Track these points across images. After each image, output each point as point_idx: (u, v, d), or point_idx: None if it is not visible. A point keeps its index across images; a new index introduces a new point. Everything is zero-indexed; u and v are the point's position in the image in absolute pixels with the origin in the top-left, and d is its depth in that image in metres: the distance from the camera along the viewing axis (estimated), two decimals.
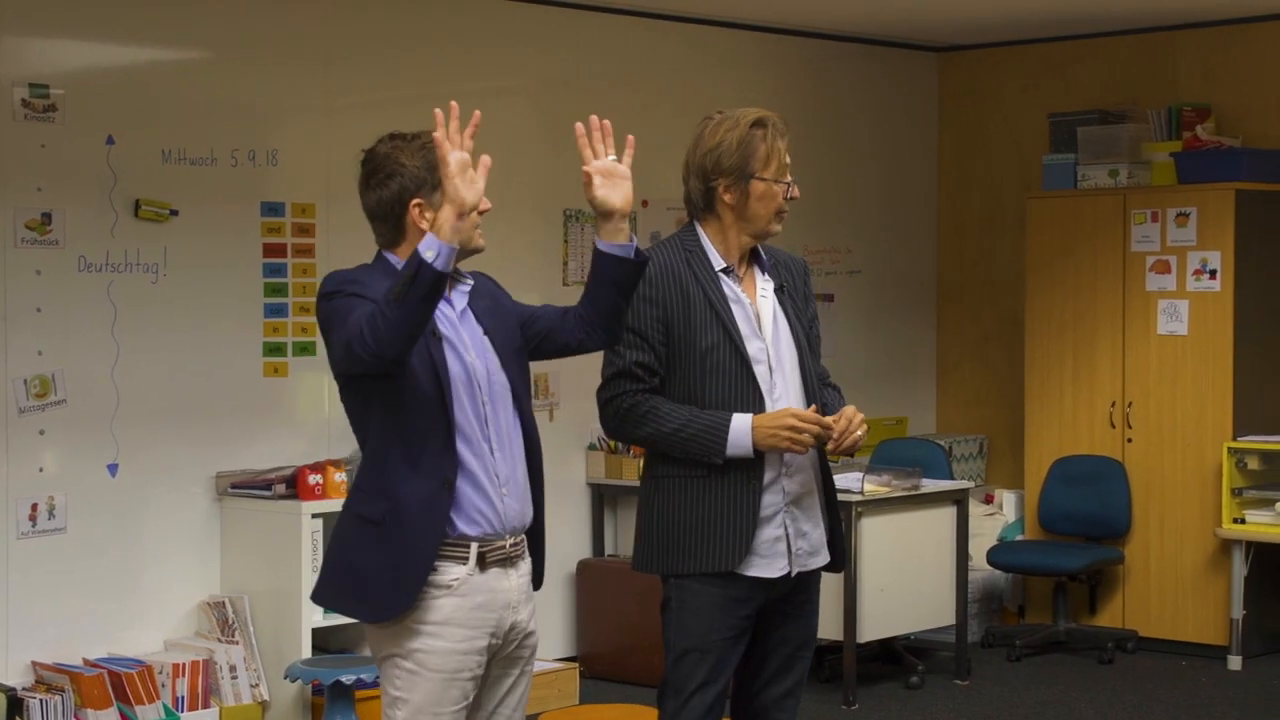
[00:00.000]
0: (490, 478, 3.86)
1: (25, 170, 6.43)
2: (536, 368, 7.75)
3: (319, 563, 6.62)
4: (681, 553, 4.29)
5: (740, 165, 4.28)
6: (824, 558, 4.41)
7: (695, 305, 4.29)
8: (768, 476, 4.27)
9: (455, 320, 3.90)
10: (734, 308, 4.32)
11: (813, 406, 4.27)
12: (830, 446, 4.27)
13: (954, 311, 9.90)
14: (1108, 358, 8.73)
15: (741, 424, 4.22)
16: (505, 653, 3.97)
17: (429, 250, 3.56)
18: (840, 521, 4.50)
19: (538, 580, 4.06)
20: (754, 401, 4.27)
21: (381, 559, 3.81)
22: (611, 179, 3.90)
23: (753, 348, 4.31)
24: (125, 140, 6.67)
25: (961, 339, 9.87)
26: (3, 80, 6.39)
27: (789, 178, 4.32)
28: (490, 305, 4.00)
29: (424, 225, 3.81)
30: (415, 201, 3.86)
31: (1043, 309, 8.93)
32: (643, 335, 4.28)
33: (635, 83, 8.43)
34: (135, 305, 6.70)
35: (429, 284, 3.56)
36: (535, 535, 4.05)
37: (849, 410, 4.28)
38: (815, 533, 4.38)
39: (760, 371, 4.30)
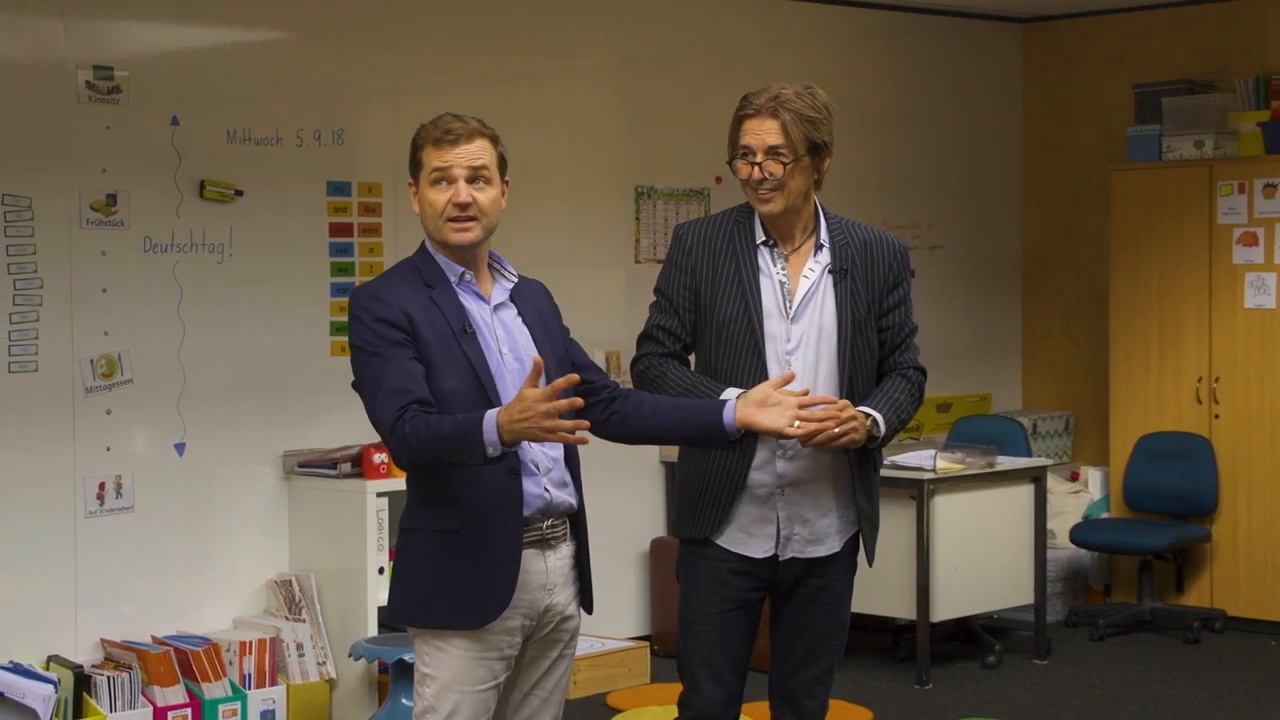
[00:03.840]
0: (528, 468, 3.82)
1: (90, 152, 6.47)
2: (608, 345, 7.84)
3: (384, 540, 6.64)
4: (678, 517, 4.37)
5: (729, 147, 4.30)
6: (829, 547, 4.30)
7: (723, 277, 4.27)
8: (760, 456, 4.22)
9: (488, 316, 3.88)
10: (763, 281, 4.27)
11: (805, 389, 4.08)
12: (800, 432, 4.01)
13: (1039, 286, 9.74)
14: (1194, 332, 8.56)
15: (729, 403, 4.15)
16: (541, 635, 3.93)
17: (492, 446, 3.62)
18: (876, 513, 4.37)
19: (585, 569, 4.00)
20: (758, 378, 4.21)
21: (471, 563, 3.78)
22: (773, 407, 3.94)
23: (771, 325, 4.25)
24: (190, 121, 6.70)
25: (1047, 314, 9.71)
26: (67, 63, 6.43)
27: (757, 158, 4.20)
28: (536, 316, 3.96)
29: (415, 207, 3.89)
30: (409, 182, 3.91)
31: (1128, 283, 8.77)
32: (670, 300, 4.32)
33: (708, 59, 8.36)
34: (201, 285, 6.73)
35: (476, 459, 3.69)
36: (577, 522, 3.99)
37: (832, 406, 4.07)
38: (821, 521, 4.29)
39: (772, 349, 4.24)
